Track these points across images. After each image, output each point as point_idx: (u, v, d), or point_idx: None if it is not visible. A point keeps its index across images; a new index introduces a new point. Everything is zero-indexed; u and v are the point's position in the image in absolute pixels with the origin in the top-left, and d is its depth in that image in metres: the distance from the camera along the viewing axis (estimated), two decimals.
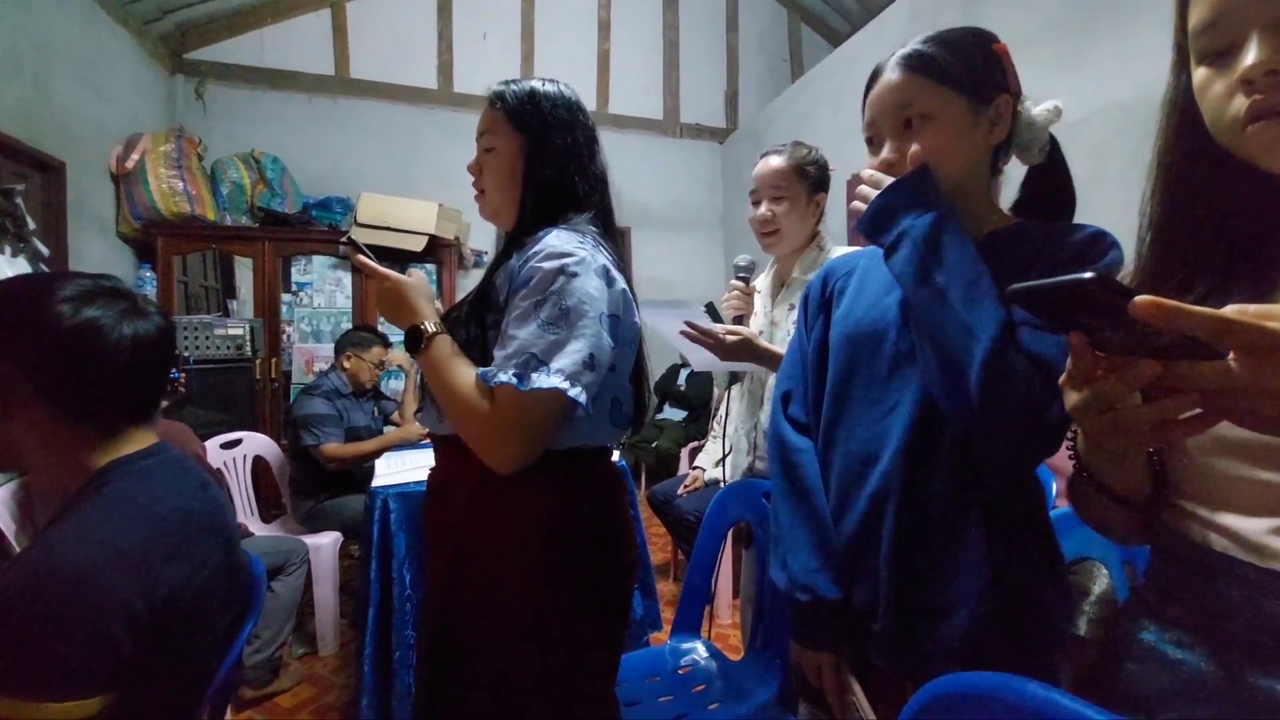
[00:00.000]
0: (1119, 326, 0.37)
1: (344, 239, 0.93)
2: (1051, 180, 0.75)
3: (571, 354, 0.76)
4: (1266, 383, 0.34)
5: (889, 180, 0.68)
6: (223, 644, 0.78)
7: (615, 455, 0.96)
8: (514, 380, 0.75)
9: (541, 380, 0.74)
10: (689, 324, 1.23)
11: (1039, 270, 0.66)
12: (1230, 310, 0.34)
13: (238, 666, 0.82)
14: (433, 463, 0.95)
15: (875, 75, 0.74)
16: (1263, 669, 0.44)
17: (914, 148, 0.68)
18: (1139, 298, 0.33)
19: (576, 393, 0.76)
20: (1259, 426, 0.36)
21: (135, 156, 3.08)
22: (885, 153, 0.72)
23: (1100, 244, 0.66)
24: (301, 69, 3.99)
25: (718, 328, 1.23)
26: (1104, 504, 0.54)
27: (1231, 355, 0.35)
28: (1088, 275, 0.35)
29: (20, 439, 0.68)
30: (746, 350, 1.22)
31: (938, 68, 0.69)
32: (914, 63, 0.70)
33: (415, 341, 0.83)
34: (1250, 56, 0.42)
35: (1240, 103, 0.44)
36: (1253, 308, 0.34)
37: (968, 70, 0.70)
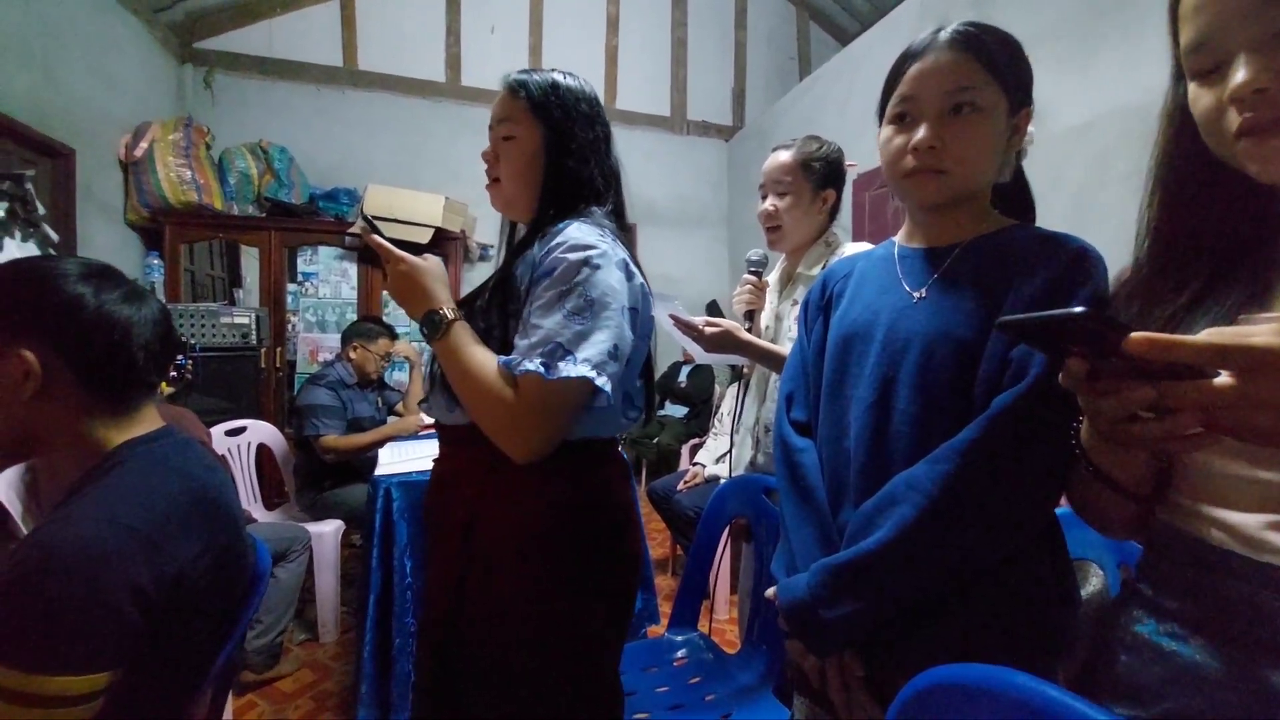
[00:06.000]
0: (1111, 354, 0.38)
1: (354, 225, 0.93)
2: (1014, 192, 0.78)
3: (597, 344, 0.77)
4: (1259, 396, 0.35)
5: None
6: (226, 626, 0.79)
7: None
8: (541, 369, 0.75)
9: (569, 369, 0.74)
10: (672, 316, 1.24)
11: (1016, 284, 0.67)
12: (1212, 334, 0.36)
13: (240, 650, 0.83)
14: (435, 453, 0.95)
15: (914, 53, 0.71)
16: (1258, 660, 0.45)
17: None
18: (1134, 335, 0.35)
19: (603, 382, 0.76)
20: (1255, 439, 0.38)
21: (144, 145, 3.10)
22: (923, 133, 0.69)
23: (1084, 263, 0.65)
24: (310, 60, 4.00)
25: (697, 320, 1.24)
26: (1105, 496, 0.55)
27: (1225, 373, 0.36)
28: (1078, 311, 0.35)
29: (49, 420, 0.69)
30: (728, 342, 1.23)
31: (990, 57, 0.67)
32: (971, 45, 0.67)
33: (433, 327, 0.82)
34: (1239, 76, 0.44)
35: (1231, 118, 0.46)
36: (1229, 330, 0.36)
37: (1013, 70, 0.69)
